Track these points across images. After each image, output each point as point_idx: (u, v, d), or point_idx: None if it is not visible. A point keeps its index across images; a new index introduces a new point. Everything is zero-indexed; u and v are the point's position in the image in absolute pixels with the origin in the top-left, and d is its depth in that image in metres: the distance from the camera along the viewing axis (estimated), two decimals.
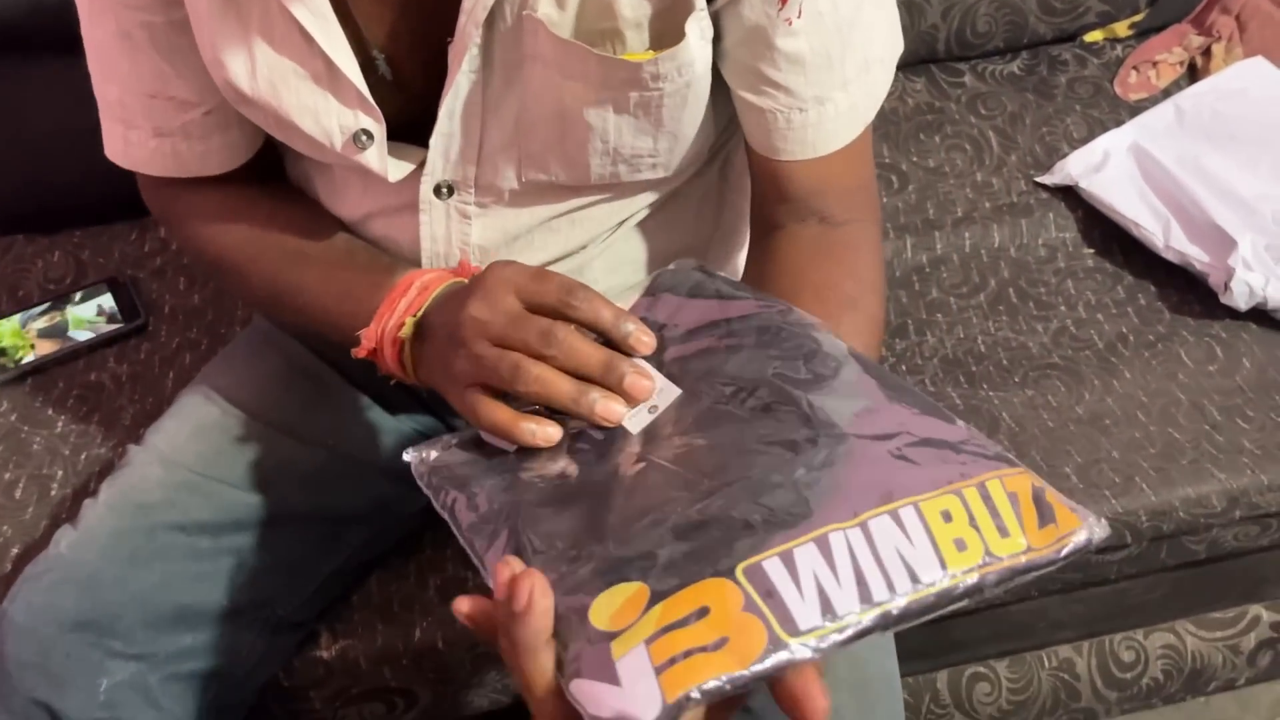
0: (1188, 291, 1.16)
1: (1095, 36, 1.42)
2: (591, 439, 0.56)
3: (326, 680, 0.94)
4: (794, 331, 0.58)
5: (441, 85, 0.69)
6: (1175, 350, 1.11)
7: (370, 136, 0.71)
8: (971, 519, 0.47)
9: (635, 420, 0.56)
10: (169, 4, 0.72)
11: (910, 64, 1.39)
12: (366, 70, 0.70)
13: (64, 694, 0.78)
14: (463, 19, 0.66)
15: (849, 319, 0.68)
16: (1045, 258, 1.22)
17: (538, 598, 0.46)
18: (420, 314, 0.66)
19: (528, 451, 0.57)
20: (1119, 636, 1.15)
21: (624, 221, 0.80)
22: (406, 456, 0.60)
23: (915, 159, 1.31)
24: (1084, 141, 1.30)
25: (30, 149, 1.23)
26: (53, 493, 1.02)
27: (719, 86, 0.72)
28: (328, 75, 0.70)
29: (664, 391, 0.57)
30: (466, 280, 0.67)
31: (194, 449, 0.88)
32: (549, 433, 0.57)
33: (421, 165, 0.73)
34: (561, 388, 0.57)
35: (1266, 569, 1.13)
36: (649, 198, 0.79)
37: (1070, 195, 1.26)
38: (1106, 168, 1.25)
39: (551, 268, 0.79)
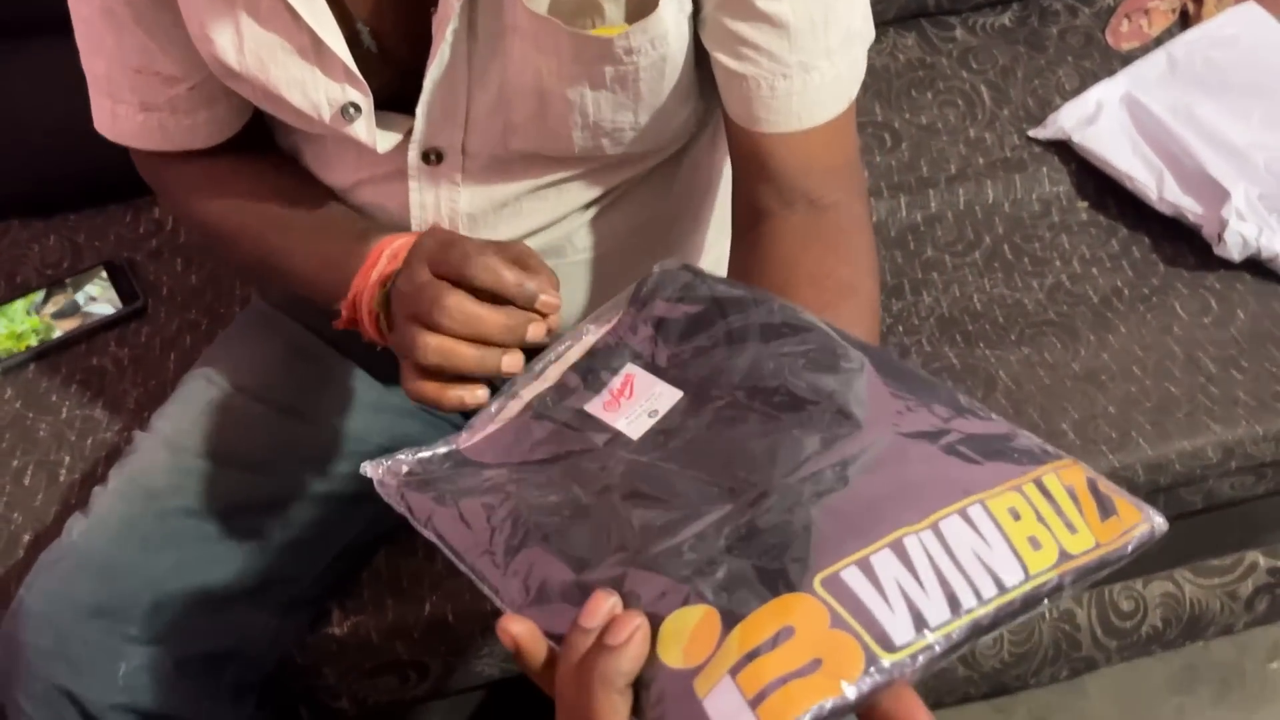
0: (1182, 243, 1.16)
1: None
2: (585, 446, 0.53)
3: (340, 656, 0.95)
4: (802, 326, 0.55)
5: (426, 56, 0.69)
6: (1170, 303, 1.12)
7: (358, 109, 0.72)
8: (1039, 516, 0.44)
9: (634, 424, 0.53)
10: None
11: (901, 19, 1.38)
12: (352, 43, 0.70)
13: (83, 679, 0.80)
14: None
15: (848, 306, 0.68)
16: (1039, 213, 1.22)
17: (639, 639, 0.42)
18: (391, 283, 0.66)
19: (514, 458, 0.55)
20: (1118, 586, 1.17)
21: (610, 191, 0.80)
22: (366, 471, 0.55)
23: (908, 116, 1.30)
24: (1076, 93, 1.29)
25: (21, 132, 1.22)
26: (61, 478, 1.03)
27: (704, 58, 0.71)
28: (314, 49, 0.70)
29: (662, 395, 0.54)
30: None
31: (199, 433, 0.88)
32: (477, 395, 0.58)
33: (409, 134, 0.73)
34: (463, 355, 0.57)
35: (1263, 516, 1.14)
36: (637, 169, 0.79)
37: (1064, 148, 1.26)
38: (1099, 120, 1.25)
39: (539, 234, 0.80)
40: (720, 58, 0.69)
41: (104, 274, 1.20)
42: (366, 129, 0.72)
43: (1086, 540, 0.44)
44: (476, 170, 0.75)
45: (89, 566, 0.82)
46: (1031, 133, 1.28)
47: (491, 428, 0.57)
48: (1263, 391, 1.04)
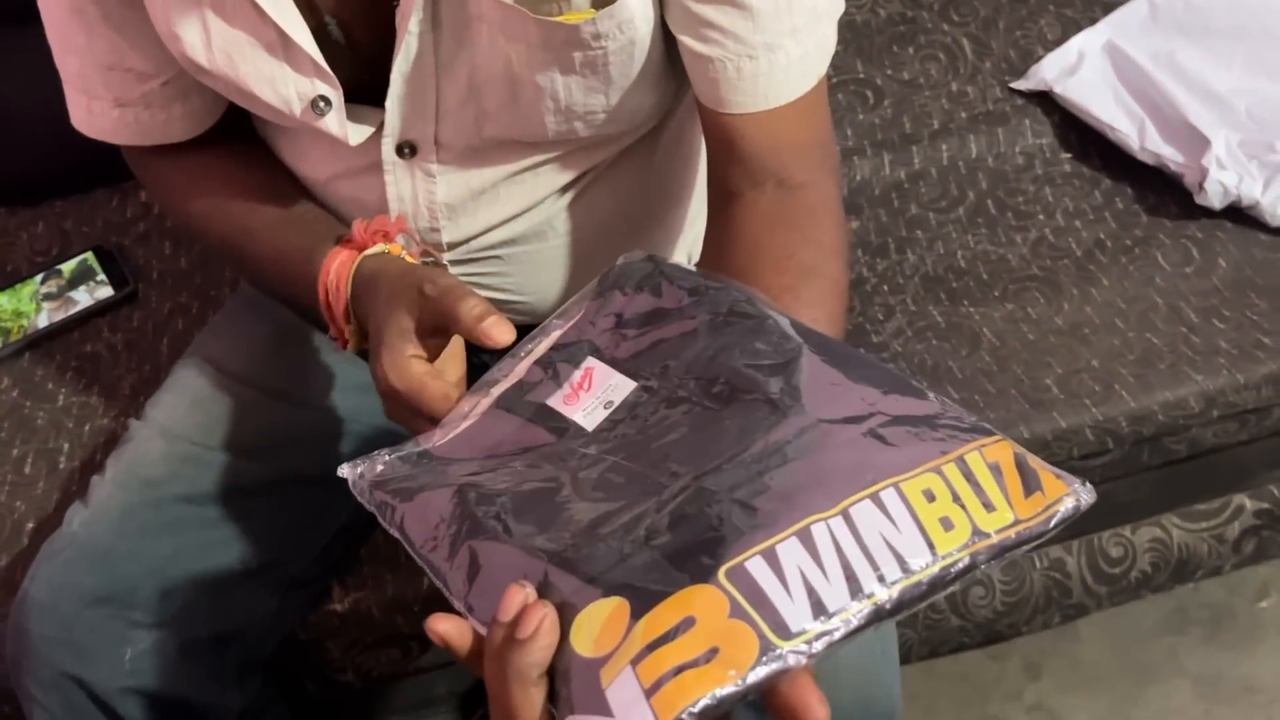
0: (1164, 193, 1.17)
1: None
2: (545, 440, 0.54)
3: (342, 631, 0.97)
4: (748, 314, 0.55)
5: (394, 48, 0.69)
6: (1152, 254, 1.12)
7: (328, 102, 0.72)
8: (955, 496, 0.45)
9: (590, 416, 0.54)
10: None
11: None
12: (319, 36, 0.71)
13: (91, 665, 0.81)
14: None
15: (809, 288, 0.68)
16: (1023, 166, 1.22)
17: (546, 629, 0.43)
18: (348, 304, 0.71)
19: (477, 453, 0.56)
20: (1107, 534, 1.18)
21: (588, 172, 0.80)
22: (342, 472, 0.56)
23: (890, 72, 1.30)
24: (1059, 43, 1.29)
25: (5, 120, 1.23)
26: (61, 466, 1.05)
27: (674, 39, 0.71)
28: (281, 44, 0.70)
29: (618, 387, 0.55)
30: (383, 249, 0.71)
31: (193, 421, 0.90)
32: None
33: (381, 127, 0.74)
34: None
35: (1248, 460, 1.16)
36: (613, 148, 0.80)
37: (1046, 100, 1.26)
38: (1081, 70, 1.25)
39: (518, 219, 0.80)
40: (685, 41, 0.69)
41: (94, 260, 1.20)
42: (338, 122, 0.73)
43: (1004, 517, 0.45)
44: (451, 160, 0.76)
45: (90, 555, 0.84)
46: (1014, 84, 1.28)
47: (463, 425, 0.58)
48: (1244, 340, 1.05)
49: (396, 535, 0.52)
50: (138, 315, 1.17)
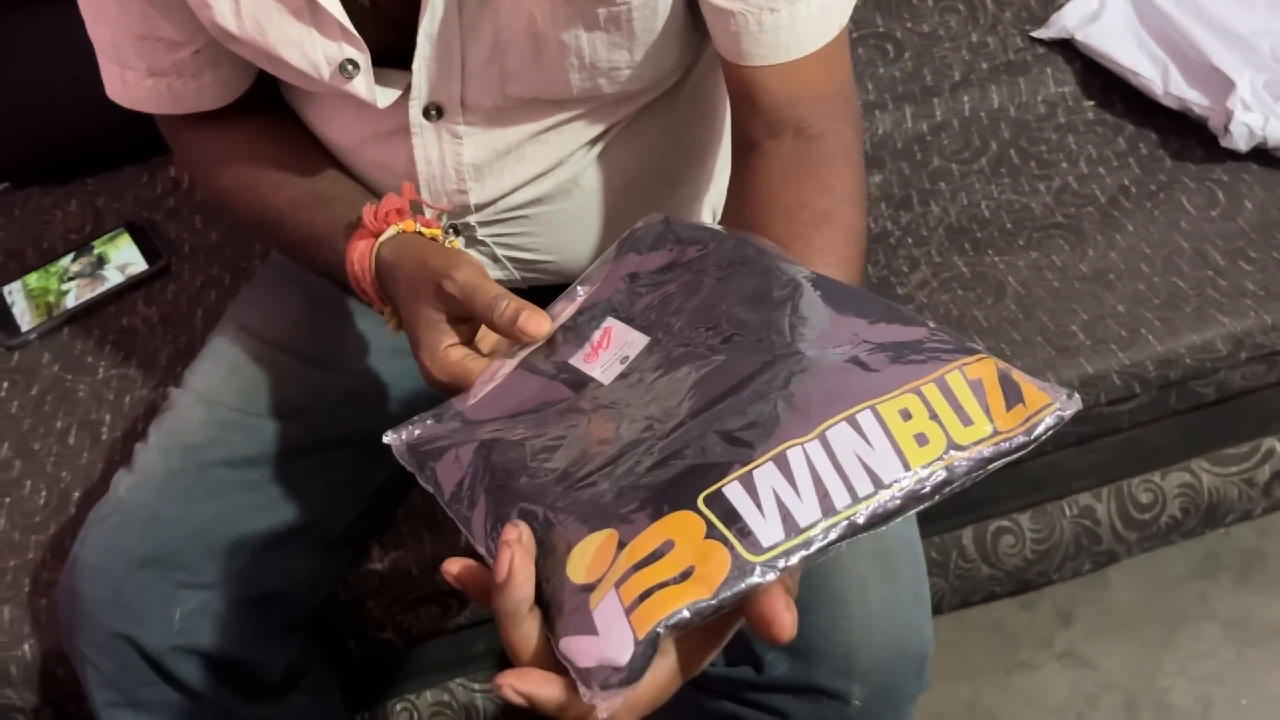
0: (1189, 137, 1.16)
1: None
2: (566, 394, 0.57)
3: (382, 590, 0.99)
4: (750, 261, 0.57)
5: (420, 9, 0.70)
6: (1177, 198, 1.12)
7: (356, 66, 0.73)
8: (932, 413, 0.46)
9: (607, 371, 0.57)
10: None
11: None
12: (346, 1, 0.71)
13: (141, 625, 0.84)
14: None
15: (821, 234, 0.68)
16: (1045, 115, 1.22)
17: (517, 567, 0.46)
18: (380, 289, 0.72)
19: (504, 412, 0.58)
20: (1136, 480, 1.19)
21: (612, 128, 0.81)
22: (386, 439, 0.59)
23: (909, 25, 1.30)
24: None
25: (35, 100, 1.25)
26: (103, 437, 1.07)
27: None
28: (309, 9, 0.71)
29: (633, 343, 0.57)
30: (405, 227, 0.72)
31: (231, 387, 0.92)
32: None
33: (409, 90, 0.75)
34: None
35: (1277, 403, 1.16)
36: (637, 103, 0.80)
37: (1068, 48, 1.25)
38: (1102, 16, 1.24)
39: (544, 178, 0.81)
40: None
41: (127, 235, 1.22)
42: (366, 85, 0.74)
43: (982, 430, 0.46)
44: (477, 120, 0.77)
45: (137, 520, 0.86)
46: (1035, 33, 1.27)
47: (490, 386, 0.60)
48: (1270, 281, 1.04)
49: (431, 491, 0.55)
50: (171, 288, 1.19)
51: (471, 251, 0.86)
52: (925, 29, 1.29)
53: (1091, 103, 1.22)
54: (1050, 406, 0.47)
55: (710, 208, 0.93)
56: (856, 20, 1.30)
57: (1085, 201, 1.13)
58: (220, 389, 0.92)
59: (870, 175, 1.19)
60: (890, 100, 1.24)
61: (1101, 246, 1.09)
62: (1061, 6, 1.28)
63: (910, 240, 1.13)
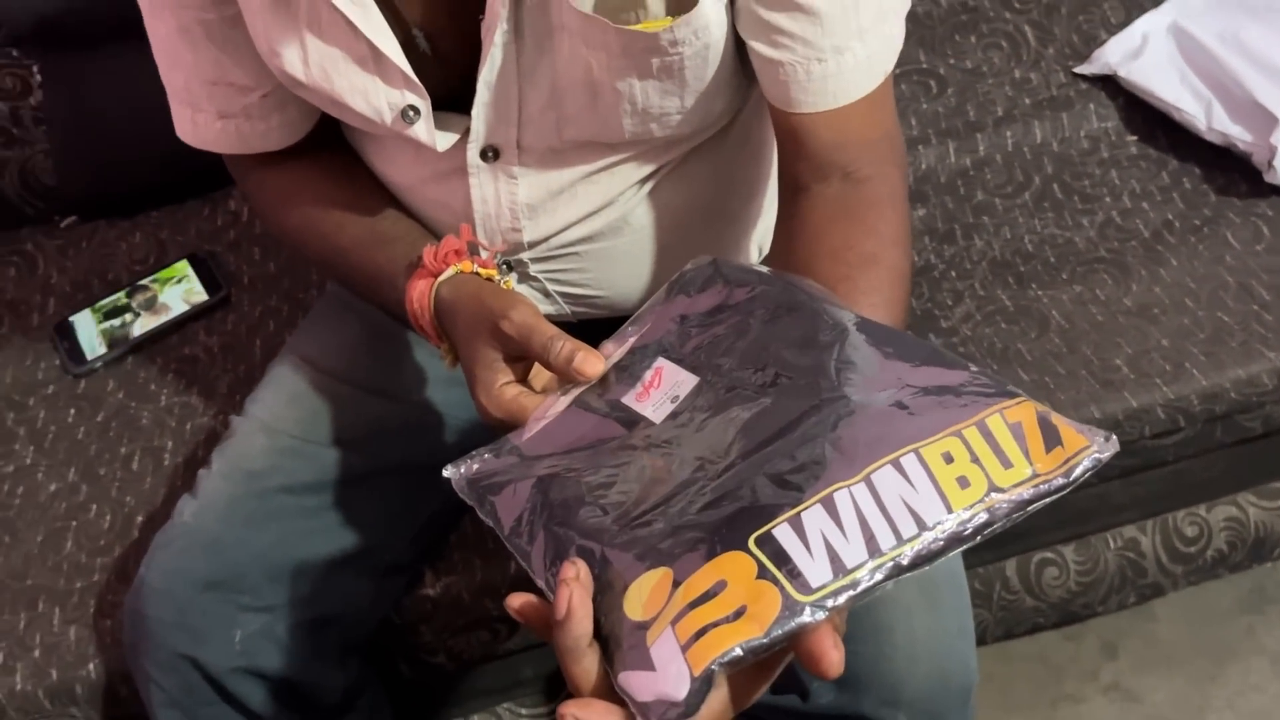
0: (1233, 172, 1.17)
1: None
2: (619, 432, 0.59)
3: (434, 615, 1.02)
4: (797, 304, 0.59)
5: (478, 56, 0.73)
6: (1221, 233, 1.13)
7: (417, 111, 0.76)
8: (974, 456, 0.48)
9: (658, 410, 0.58)
10: (221, 2, 0.77)
11: None
12: (408, 48, 0.75)
13: (204, 646, 0.87)
14: None
15: (866, 276, 0.70)
16: (1088, 149, 1.23)
17: (576, 605, 0.48)
18: (438, 326, 0.75)
19: (559, 448, 0.60)
20: (1182, 513, 1.19)
21: (661, 168, 0.83)
22: (446, 473, 0.61)
23: (952, 61, 1.32)
24: (1122, 26, 1.30)
25: (104, 137, 1.29)
26: (166, 463, 1.10)
27: (744, 41, 0.74)
28: (373, 58, 0.74)
29: (683, 383, 0.59)
30: (464, 268, 0.75)
31: (291, 416, 0.95)
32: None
33: (467, 132, 0.78)
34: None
35: None
36: (686, 145, 0.83)
37: (1111, 83, 1.27)
38: (1145, 52, 1.25)
39: (595, 216, 0.84)
40: (756, 46, 0.72)
41: (188, 266, 1.26)
42: (426, 130, 0.77)
43: (1021, 473, 0.48)
44: (532, 162, 0.79)
45: (200, 544, 0.89)
46: (1077, 69, 1.29)
47: (545, 422, 0.63)
48: None
49: (490, 524, 0.57)
50: (231, 318, 1.22)
51: (524, 287, 0.88)
52: (968, 65, 1.31)
53: (1135, 138, 1.23)
54: (1088, 449, 0.49)
55: (757, 244, 0.95)
56: (899, 57, 1.32)
57: (1129, 236, 1.14)
58: (281, 417, 0.95)
59: (914, 209, 1.21)
60: (934, 135, 1.26)
61: (1145, 281, 1.10)
62: (1104, 42, 1.29)
63: (954, 274, 1.15)
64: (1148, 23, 1.28)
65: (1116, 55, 1.26)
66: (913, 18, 1.36)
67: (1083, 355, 1.05)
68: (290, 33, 0.74)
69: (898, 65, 1.32)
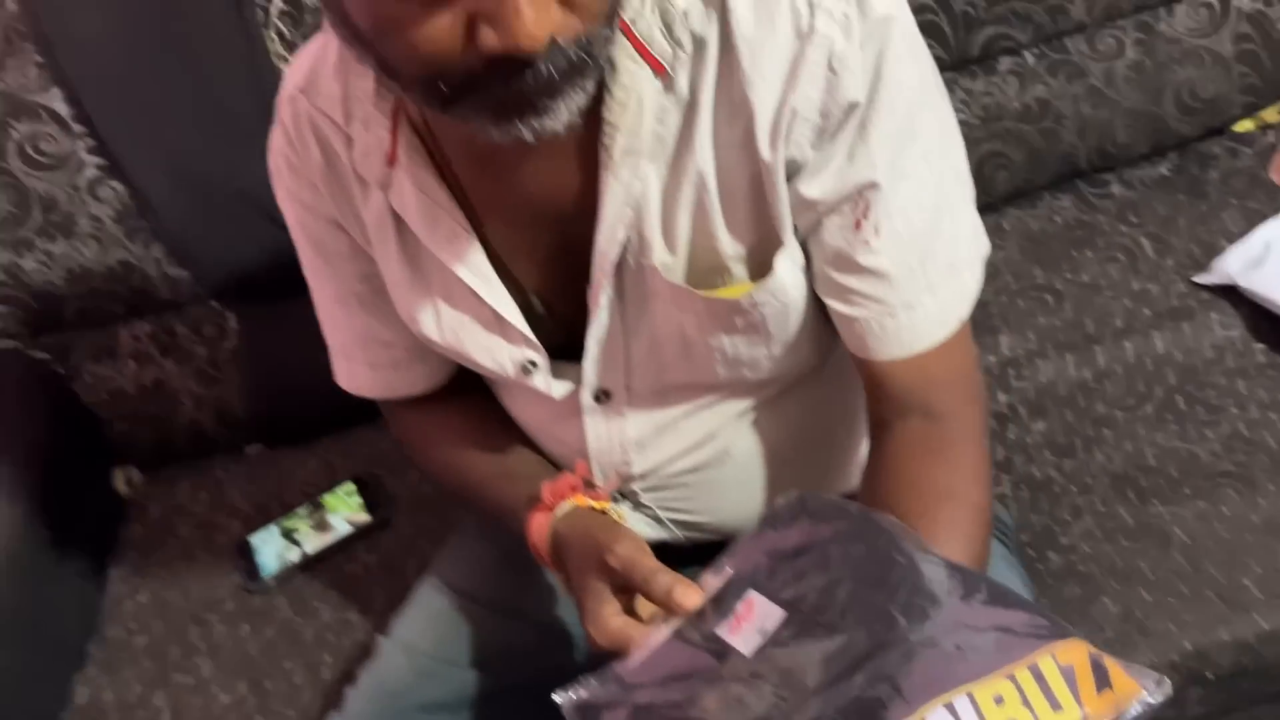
0: None
1: (1245, 126, 1.43)
2: (711, 664, 0.63)
3: None
4: (876, 544, 0.64)
5: (587, 316, 0.83)
6: None
7: (535, 365, 0.86)
8: (1024, 699, 0.50)
9: (748, 642, 0.63)
10: (369, 275, 0.90)
11: (1055, 183, 1.43)
12: (526, 312, 0.85)
13: None
14: (596, 268, 0.79)
15: (945, 511, 0.74)
16: (1213, 359, 1.23)
17: None
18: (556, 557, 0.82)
19: (656, 678, 0.65)
20: None
21: (759, 403, 0.90)
22: (556, 698, 0.67)
23: (1069, 276, 1.35)
24: (1242, 235, 1.30)
25: (286, 375, 1.46)
26: (323, 676, 1.20)
27: None
28: (496, 322, 0.85)
29: (771, 615, 0.63)
30: (576, 504, 0.83)
31: (430, 636, 1.03)
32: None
33: (581, 379, 0.87)
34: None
35: None
36: (780, 384, 0.89)
37: (1234, 292, 1.27)
38: (1267, 261, 1.25)
39: (699, 449, 0.90)
40: (832, 304, 0.79)
41: (354, 488, 1.39)
42: (544, 380, 0.86)
43: (1071, 715, 0.50)
44: (639, 402, 0.88)
45: None
46: (1197, 279, 1.29)
47: (647, 652, 0.68)
48: None
49: None
50: (388, 537, 1.33)
51: (638, 514, 0.95)
52: (1085, 279, 1.34)
53: (1262, 346, 1.22)
54: (1139, 693, 0.51)
55: (858, 467, 1.00)
56: (1015, 273, 1.37)
57: (1256, 448, 1.13)
58: (420, 638, 1.03)
59: (1033, 423, 1.22)
60: (1051, 349, 1.28)
61: (1274, 496, 1.08)
62: (1225, 251, 1.30)
63: (1074, 488, 1.15)
64: (1269, 231, 1.29)
65: (1237, 264, 1.27)
66: (1027, 235, 1.41)
67: (1208, 574, 1.03)
68: (425, 301, 0.86)
69: (1014, 281, 1.37)
